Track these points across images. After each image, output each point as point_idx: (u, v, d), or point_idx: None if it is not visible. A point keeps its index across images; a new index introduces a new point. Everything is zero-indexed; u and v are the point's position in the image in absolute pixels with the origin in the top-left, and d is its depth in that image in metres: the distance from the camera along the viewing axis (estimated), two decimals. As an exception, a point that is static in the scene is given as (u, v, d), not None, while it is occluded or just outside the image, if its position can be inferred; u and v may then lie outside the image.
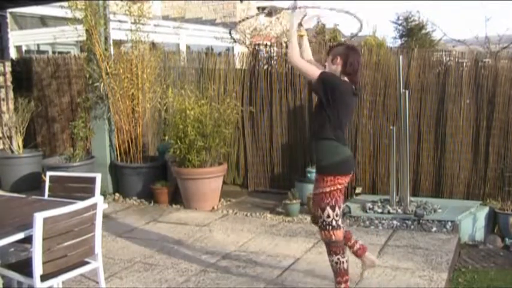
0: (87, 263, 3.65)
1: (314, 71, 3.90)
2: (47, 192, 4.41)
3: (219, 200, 7.02)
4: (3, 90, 8.68)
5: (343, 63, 3.89)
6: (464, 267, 5.05)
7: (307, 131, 7.37)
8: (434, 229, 5.68)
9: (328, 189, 3.87)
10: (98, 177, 4.28)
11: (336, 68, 3.92)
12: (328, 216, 3.88)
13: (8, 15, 9.43)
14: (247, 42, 8.58)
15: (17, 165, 7.98)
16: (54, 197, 4.28)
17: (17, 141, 8.18)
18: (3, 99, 8.68)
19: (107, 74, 7.33)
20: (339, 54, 3.92)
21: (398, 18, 18.50)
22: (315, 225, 4.24)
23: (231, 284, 4.42)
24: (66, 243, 3.32)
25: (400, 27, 18.44)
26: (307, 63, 4.02)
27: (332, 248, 3.92)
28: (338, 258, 3.90)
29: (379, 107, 7.00)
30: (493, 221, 6.02)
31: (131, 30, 7.37)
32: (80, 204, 3.39)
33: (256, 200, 7.25)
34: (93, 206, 3.49)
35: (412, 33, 17.62)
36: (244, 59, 7.82)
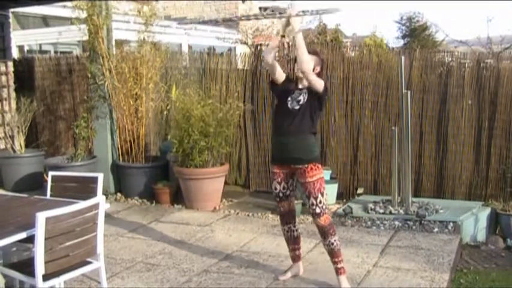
0: (89, 262, 3.66)
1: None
2: (49, 192, 4.41)
3: (221, 200, 7.02)
4: (5, 89, 8.70)
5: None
6: (466, 268, 5.04)
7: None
8: (436, 230, 5.67)
9: None
10: (100, 177, 4.28)
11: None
12: None
13: (11, 15, 9.45)
14: (249, 42, 8.57)
15: (19, 164, 7.98)
16: (56, 196, 4.27)
17: (19, 141, 8.18)
18: (6, 99, 8.70)
19: (110, 73, 7.34)
20: None
21: (401, 18, 18.48)
22: None
23: (233, 284, 4.42)
24: (68, 243, 3.32)
25: (403, 27, 18.42)
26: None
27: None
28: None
29: (381, 108, 6.99)
30: (495, 221, 6.01)
31: (139, 31, 7.37)
32: (82, 204, 3.39)
33: (258, 200, 7.24)
34: (95, 206, 3.49)
35: (415, 33, 17.61)
36: (246, 59, 7.82)
